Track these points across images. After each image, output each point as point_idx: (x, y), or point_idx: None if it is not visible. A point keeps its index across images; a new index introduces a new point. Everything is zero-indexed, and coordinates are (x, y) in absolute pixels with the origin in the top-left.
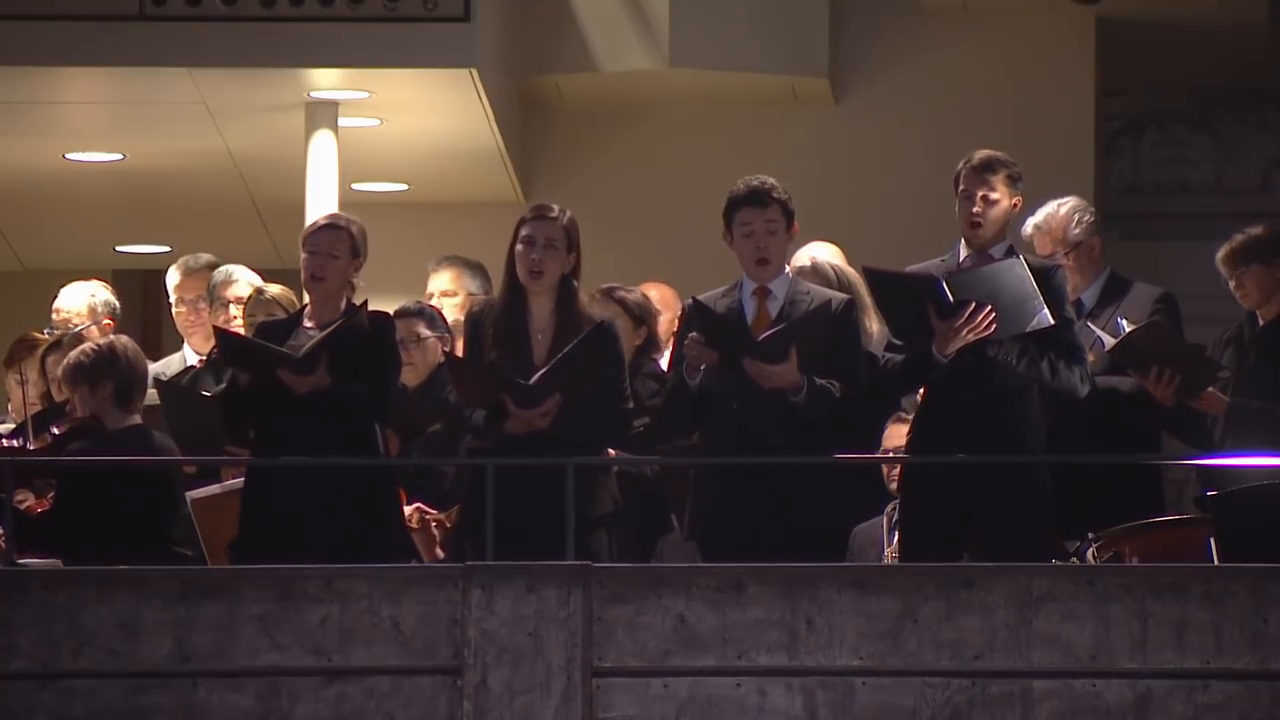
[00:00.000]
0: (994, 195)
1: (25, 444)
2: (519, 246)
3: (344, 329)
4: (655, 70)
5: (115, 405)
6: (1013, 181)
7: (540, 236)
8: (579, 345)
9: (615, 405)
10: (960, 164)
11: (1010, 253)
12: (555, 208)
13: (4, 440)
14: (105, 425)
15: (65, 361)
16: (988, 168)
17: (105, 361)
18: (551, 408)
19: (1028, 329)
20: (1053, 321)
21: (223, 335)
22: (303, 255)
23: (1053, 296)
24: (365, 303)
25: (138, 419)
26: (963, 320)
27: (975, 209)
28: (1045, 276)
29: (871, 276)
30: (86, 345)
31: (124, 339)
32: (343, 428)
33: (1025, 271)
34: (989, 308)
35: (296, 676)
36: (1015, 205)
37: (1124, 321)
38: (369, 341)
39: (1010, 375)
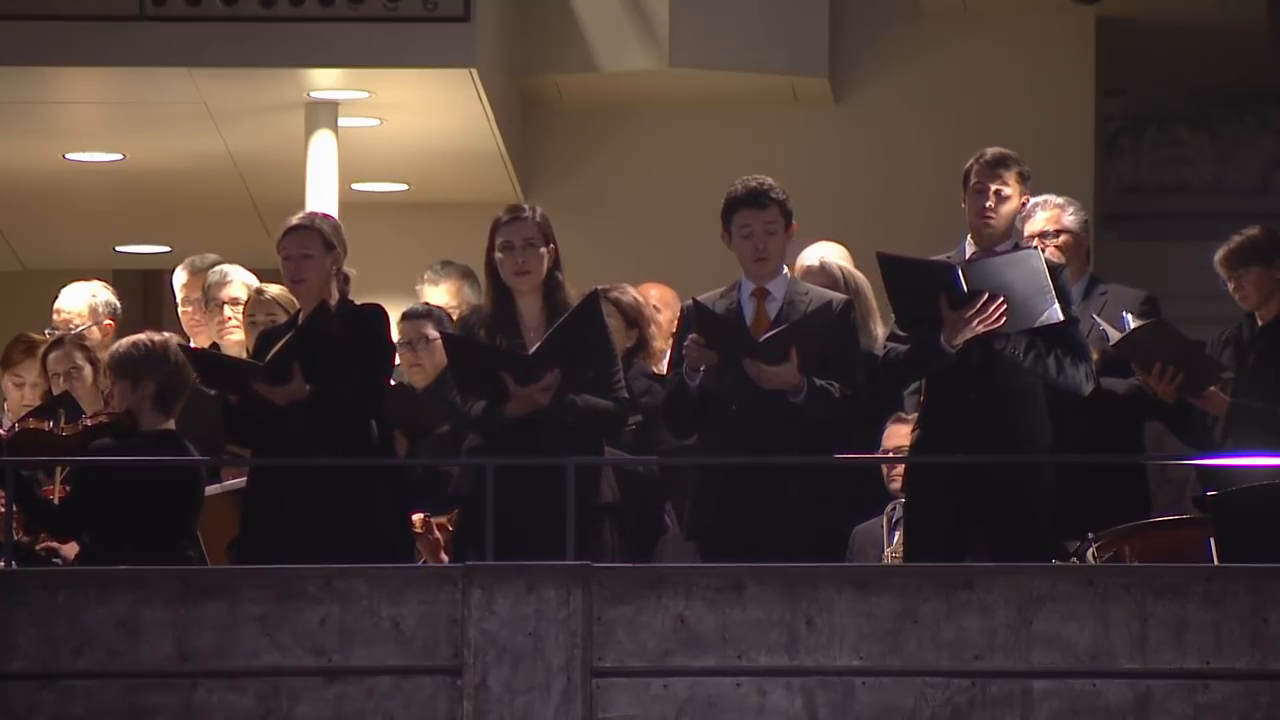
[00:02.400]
0: (1006, 191)
1: (54, 427)
2: (499, 254)
3: (307, 332)
4: (655, 70)
5: (153, 406)
6: (1023, 179)
7: (518, 239)
8: (573, 316)
9: (609, 392)
10: (971, 160)
11: (1018, 250)
12: (525, 207)
13: (32, 419)
14: (138, 424)
15: (114, 349)
16: (1000, 164)
17: (155, 360)
18: (552, 382)
19: (1037, 324)
20: (1062, 318)
21: (194, 356)
22: (279, 262)
23: (1059, 293)
24: (324, 303)
25: (172, 425)
26: (974, 310)
27: (988, 204)
28: (1052, 273)
29: (886, 262)
30: (140, 338)
31: (177, 340)
32: (339, 425)
33: (1041, 264)
34: (1001, 299)
35: (296, 676)
36: (1024, 203)
37: (1128, 315)
38: (349, 334)
39: (1015, 374)
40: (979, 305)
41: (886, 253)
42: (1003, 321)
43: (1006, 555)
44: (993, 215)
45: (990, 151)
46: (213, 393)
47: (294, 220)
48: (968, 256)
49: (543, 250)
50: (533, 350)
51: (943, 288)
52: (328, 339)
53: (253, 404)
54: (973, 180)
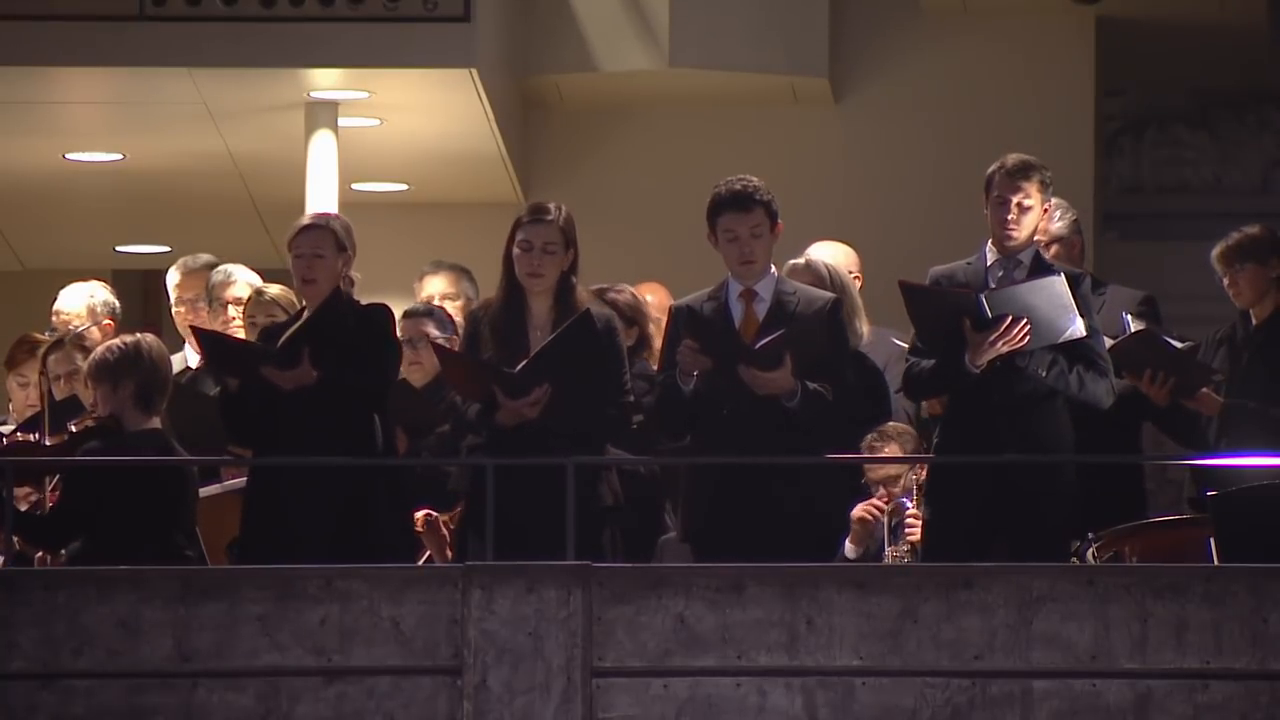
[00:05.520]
0: (1028, 202)
1: (41, 439)
2: (516, 251)
3: (320, 320)
4: (655, 70)
5: (135, 406)
6: (1044, 187)
7: (537, 241)
8: (562, 334)
9: (611, 398)
10: (994, 166)
11: (1038, 258)
12: (551, 208)
13: (19, 434)
14: (123, 426)
15: (90, 357)
16: (1021, 174)
17: (129, 361)
18: (540, 397)
19: (1060, 340)
20: (1084, 334)
21: (203, 336)
22: (290, 259)
23: (1080, 303)
24: (336, 291)
25: (157, 422)
26: (998, 333)
27: (1010, 217)
28: (1073, 283)
29: (908, 292)
30: (113, 342)
31: (150, 338)
32: (341, 422)
33: (1064, 287)
34: (1025, 320)
35: (296, 676)
36: (1046, 210)
37: (1128, 316)
38: (356, 330)
39: (1038, 382)
40: (1003, 328)
41: (908, 281)
42: (1026, 341)
43: (1026, 557)
44: (1015, 228)
45: (1011, 160)
46: (210, 394)
47: (308, 219)
48: (989, 263)
49: (561, 256)
50: (518, 368)
51: (967, 314)
52: (339, 329)
53: (254, 391)
54: (994, 191)
